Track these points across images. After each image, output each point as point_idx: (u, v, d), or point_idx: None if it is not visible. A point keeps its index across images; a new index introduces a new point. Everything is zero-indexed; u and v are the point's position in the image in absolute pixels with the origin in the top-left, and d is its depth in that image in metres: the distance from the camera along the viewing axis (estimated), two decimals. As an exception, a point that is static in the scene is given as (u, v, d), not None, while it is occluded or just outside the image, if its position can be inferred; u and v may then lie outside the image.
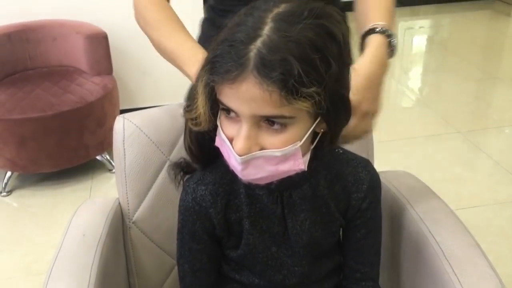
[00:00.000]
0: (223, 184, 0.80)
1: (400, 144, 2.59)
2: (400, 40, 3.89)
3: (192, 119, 0.72)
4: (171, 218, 0.94)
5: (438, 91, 3.29)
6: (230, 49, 0.62)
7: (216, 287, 0.88)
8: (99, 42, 2.28)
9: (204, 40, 1.12)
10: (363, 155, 0.94)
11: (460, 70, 3.52)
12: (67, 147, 2.17)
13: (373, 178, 0.84)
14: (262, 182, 0.73)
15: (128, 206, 0.98)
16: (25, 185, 2.31)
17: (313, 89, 0.61)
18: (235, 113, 0.65)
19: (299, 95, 0.60)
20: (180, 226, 0.83)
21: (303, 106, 0.62)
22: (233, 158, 0.68)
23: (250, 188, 0.79)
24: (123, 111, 1.03)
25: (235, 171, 0.70)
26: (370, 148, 1.04)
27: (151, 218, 0.99)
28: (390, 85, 3.26)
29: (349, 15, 1.12)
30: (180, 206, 0.83)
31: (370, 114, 0.84)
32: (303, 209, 0.81)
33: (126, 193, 0.97)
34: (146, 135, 0.96)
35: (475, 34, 4.29)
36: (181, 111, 0.75)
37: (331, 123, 0.69)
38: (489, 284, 0.79)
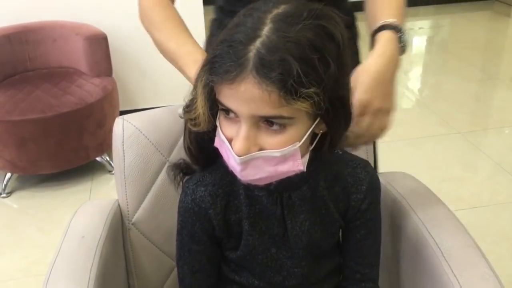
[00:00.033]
0: (222, 185, 0.80)
1: (400, 145, 2.59)
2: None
3: (191, 120, 0.72)
4: (170, 219, 0.94)
5: (438, 92, 3.29)
6: (229, 50, 0.62)
7: (216, 288, 0.88)
8: (98, 44, 2.28)
9: (212, 41, 1.12)
10: (363, 156, 0.95)
11: (460, 71, 3.52)
12: (67, 148, 2.17)
13: (373, 179, 0.84)
14: (261, 183, 0.73)
15: (128, 208, 0.98)
16: (25, 187, 2.31)
17: (312, 89, 0.61)
18: (234, 113, 0.65)
19: (298, 95, 0.60)
20: (180, 227, 0.83)
21: (302, 106, 0.62)
22: (232, 158, 0.68)
23: (250, 189, 0.79)
24: (123, 112, 1.03)
25: (234, 171, 0.70)
26: (369, 149, 1.04)
27: (151, 219, 0.99)
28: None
29: (358, 15, 1.13)
30: (179, 207, 0.83)
31: (384, 111, 0.83)
32: (302, 210, 0.81)
33: (126, 194, 0.97)
34: (146, 137, 0.96)
35: (475, 35, 4.30)
36: (180, 111, 0.75)
37: (331, 124, 0.69)
38: (488, 285, 0.79)
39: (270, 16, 0.63)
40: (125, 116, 0.98)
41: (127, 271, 1.03)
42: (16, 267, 1.86)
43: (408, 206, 0.96)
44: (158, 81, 2.73)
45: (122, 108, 2.50)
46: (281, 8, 0.65)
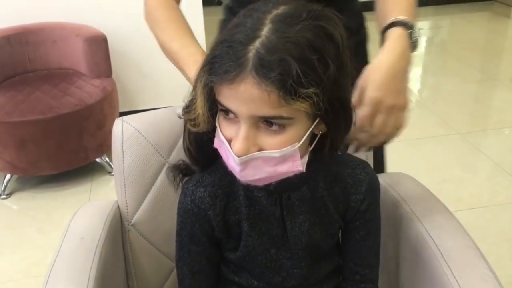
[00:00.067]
0: (222, 186, 0.80)
1: (399, 145, 2.58)
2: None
3: (191, 120, 0.72)
4: (170, 220, 0.94)
5: (437, 93, 3.29)
6: (228, 50, 0.62)
7: (215, 289, 0.88)
8: (98, 45, 2.28)
9: None
10: (362, 157, 0.94)
11: (460, 72, 3.52)
12: (67, 149, 2.17)
13: (372, 180, 0.84)
14: (261, 183, 0.73)
15: (127, 209, 0.98)
16: (24, 188, 2.31)
17: (311, 89, 0.61)
18: (234, 114, 0.65)
19: (298, 95, 0.60)
20: (179, 228, 0.83)
21: (302, 107, 0.62)
22: (231, 159, 0.68)
23: (249, 190, 0.79)
24: (123, 114, 1.03)
25: (233, 172, 0.70)
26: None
27: (150, 220, 0.99)
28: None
29: (368, 15, 1.12)
30: (179, 208, 0.83)
31: (398, 109, 0.80)
32: (302, 211, 0.81)
33: (125, 195, 0.97)
34: (145, 138, 0.96)
35: (474, 35, 4.30)
36: (179, 111, 0.75)
37: (330, 125, 0.69)
38: (488, 286, 0.79)
39: (269, 17, 0.63)
40: (124, 118, 0.98)
41: (126, 272, 1.03)
42: (16, 268, 1.86)
43: (407, 207, 0.96)
44: (158, 82, 2.73)
45: (122, 109, 2.50)
46: (281, 9, 0.65)
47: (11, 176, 2.25)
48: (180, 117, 0.76)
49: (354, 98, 0.80)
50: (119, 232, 0.99)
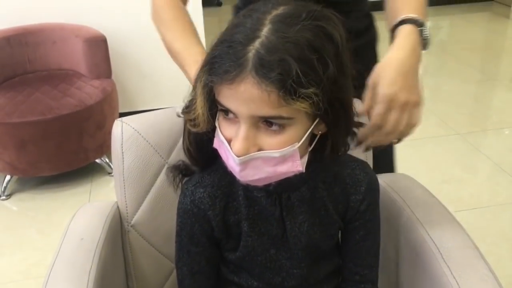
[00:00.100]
0: (221, 186, 0.80)
1: (399, 146, 2.59)
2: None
3: (190, 120, 0.72)
4: (169, 221, 0.94)
5: (437, 93, 3.29)
6: (228, 50, 0.62)
7: (215, 290, 0.88)
8: (98, 46, 2.28)
9: None
10: (362, 157, 0.94)
11: (459, 72, 3.53)
12: (67, 150, 2.17)
13: (371, 180, 0.84)
14: (260, 184, 0.73)
15: (127, 210, 0.98)
16: (24, 189, 2.31)
17: (311, 89, 0.61)
18: (234, 114, 0.65)
19: (297, 95, 0.61)
20: (179, 228, 0.83)
21: (301, 107, 0.62)
22: (231, 159, 0.68)
23: (249, 190, 0.79)
24: (123, 114, 1.03)
25: (233, 172, 0.70)
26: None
27: (150, 221, 0.99)
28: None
29: (377, 15, 1.12)
30: (178, 208, 0.83)
31: (412, 105, 0.78)
32: (301, 211, 0.81)
33: (125, 196, 0.97)
34: (144, 139, 0.96)
35: (474, 36, 4.30)
36: (179, 110, 0.75)
37: (331, 125, 0.69)
38: (487, 286, 0.79)
39: (269, 17, 0.64)
40: (124, 118, 0.98)
41: (126, 273, 1.03)
42: (16, 269, 1.86)
43: (407, 207, 0.96)
44: (158, 83, 2.73)
45: (121, 110, 2.51)
46: (280, 9, 0.65)
47: (11, 177, 2.25)
48: (179, 116, 0.76)
49: (367, 96, 0.79)
50: (118, 233, 0.99)
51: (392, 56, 0.80)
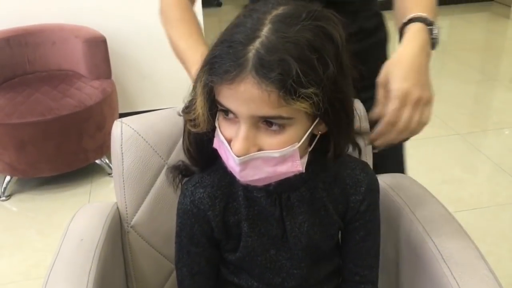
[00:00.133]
0: (221, 186, 0.80)
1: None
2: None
3: (190, 120, 0.72)
4: (169, 221, 0.94)
5: (437, 93, 3.25)
6: (228, 50, 0.62)
7: (215, 290, 0.88)
8: (98, 46, 2.28)
9: None
10: (361, 157, 0.94)
11: (459, 72, 3.53)
12: (67, 151, 2.17)
13: (371, 181, 0.84)
14: (260, 184, 0.73)
15: (126, 210, 0.98)
16: (24, 190, 2.31)
17: (311, 89, 0.61)
18: (234, 114, 0.65)
19: (298, 95, 0.61)
20: (179, 229, 0.83)
21: (301, 107, 0.62)
22: (231, 159, 0.68)
23: (249, 190, 0.79)
24: (122, 115, 1.03)
25: (233, 172, 0.70)
26: (368, 149, 1.04)
27: (150, 222, 0.99)
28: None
29: (386, 14, 1.11)
30: (178, 209, 0.82)
31: (425, 102, 0.77)
32: (301, 212, 0.81)
33: (124, 197, 0.97)
34: (144, 139, 0.96)
35: (474, 36, 4.30)
36: (179, 109, 0.75)
37: (331, 125, 0.69)
38: (488, 287, 0.79)
39: (269, 17, 0.64)
40: (123, 119, 0.98)
41: (126, 274, 1.03)
42: (16, 270, 1.86)
43: (407, 208, 0.96)
44: (158, 84, 2.73)
45: (121, 111, 2.50)
46: (280, 9, 0.65)
47: (11, 178, 2.25)
48: (180, 115, 0.77)
49: (379, 95, 0.79)
50: (118, 234, 0.99)
51: (402, 52, 0.80)
